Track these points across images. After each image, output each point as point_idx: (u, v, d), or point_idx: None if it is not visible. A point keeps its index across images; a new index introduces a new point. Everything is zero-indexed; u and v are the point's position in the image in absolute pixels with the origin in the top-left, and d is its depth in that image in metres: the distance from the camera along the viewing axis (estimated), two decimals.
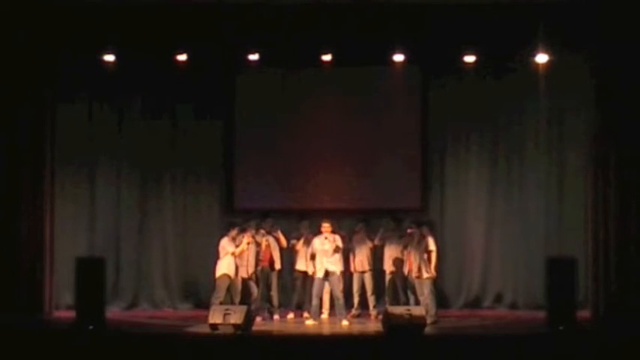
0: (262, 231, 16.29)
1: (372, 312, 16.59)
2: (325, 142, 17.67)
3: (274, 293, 16.43)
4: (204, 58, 16.63)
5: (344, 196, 17.58)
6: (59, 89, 16.77)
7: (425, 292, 15.63)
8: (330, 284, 15.88)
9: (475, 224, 17.67)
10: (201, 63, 16.71)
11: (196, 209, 17.87)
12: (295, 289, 16.76)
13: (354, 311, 16.68)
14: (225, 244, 15.80)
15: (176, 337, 14.56)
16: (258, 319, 15.80)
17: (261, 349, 13.37)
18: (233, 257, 15.75)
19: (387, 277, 16.60)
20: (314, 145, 17.69)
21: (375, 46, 16.27)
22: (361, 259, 16.61)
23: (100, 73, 16.65)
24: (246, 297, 15.93)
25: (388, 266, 16.54)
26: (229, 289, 15.76)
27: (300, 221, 16.63)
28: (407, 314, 14.65)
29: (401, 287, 16.43)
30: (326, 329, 15.76)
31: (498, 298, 17.56)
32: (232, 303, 15.60)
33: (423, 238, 15.76)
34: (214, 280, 15.86)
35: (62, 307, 16.78)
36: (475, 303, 17.55)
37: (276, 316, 16.36)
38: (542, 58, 16.23)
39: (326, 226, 15.86)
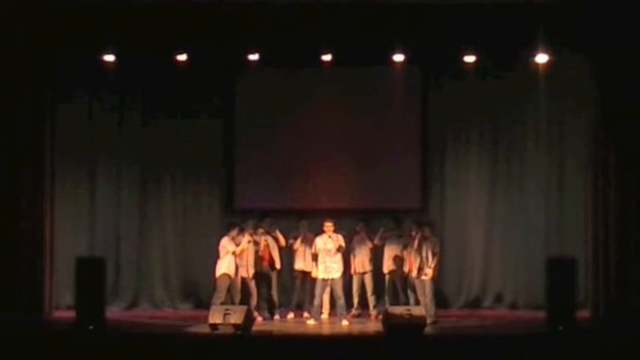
0: (261, 230, 16.29)
1: (372, 312, 16.60)
2: (325, 142, 17.67)
3: (274, 293, 16.44)
4: (204, 58, 16.62)
5: (344, 196, 17.59)
6: (59, 89, 16.77)
7: (426, 292, 15.66)
8: (332, 284, 15.89)
9: (475, 224, 17.67)
10: (201, 63, 16.71)
11: (196, 209, 17.87)
12: (295, 288, 16.76)
13: (354, 311, 16.69)
14: (226, 244, 15.80)
15: (176, 337, 14.56)
16: (258, 319, 15.82)
17: (261, 349, 13.36)
18: (233, 257, 15.76)
19: (387, 277, 16.61)
20: (314, 145, 17.70)
21: (375, 46, 16.26)
22: (362, 260, 16.61)
23: (100, 73, 16.64)
24: (246, 297, 15.94)
25: (388, 266, 16.54)
26: (229, 289, 15.77)
27: (300, 221, 16.64)
28: (407, 314, 14.67)
29: (401, 287, 16.43)
30: (326, 329, 15.77)
31: (498, 298, 17.56)
32: (232, 303, 15.60)
33: (424, 240, 15.78)
34: (214, 280, 15.87)
35: (62, 307, 16.78)
36: (475, 303, 17.56)
37: (276, 316, 16.36)
38: (542, 58, 16.22)
39: (329, 225, 15.87)
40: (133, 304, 17.56)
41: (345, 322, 15.77)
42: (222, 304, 15.34)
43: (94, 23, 15.96)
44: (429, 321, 15.18)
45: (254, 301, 16.04)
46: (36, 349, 12.92)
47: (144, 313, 17.25)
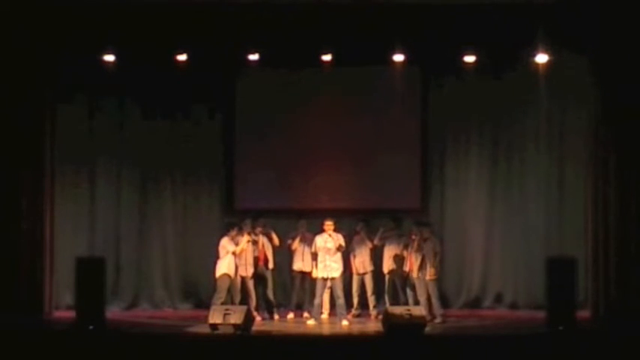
0: (258, 229, 16.30)
1: (372, 312, 16.60)
2: (325, 142, 17.67)
3: (270, 292, 16.43)
4: (204, 59, 16.62)
5: (344, 196, 17.58)
6: (59, 89, 16.77)
7: (431, 292, 15.79)
8: (332, 283, 15.88)
9: (475, 224, 17.67)
10: (201, 63, 16.70)
11: (196, 209, 17.87)
12: (294, 288, 16.76)
13: (354, 311, 16.69)
14: (226, 244, 15.81)
15: (176, 337, 14.56)
16: (258, 319, 15.82)
17: (261, 349, 13.37)
18: (233, 257, 15.76)
19: (387, 277, 16.61)
20: (314, 145, 17.69)
21: (375, 46, 16.25)
22: (362, 261, 16.62)
23: (100, 73, 16.63)
24: (245, 297, 15.94)
25: (388, 266, 16.55)
26: (229, 289, 15.77)
27: (298, 220, 16.63)
28: (407, 314, 14.68)
29: (401, 287, 16.44)
30: (326, 329, 15.77)
31: (498, 298, 17.56)
32: (232, 303, 15.61)
33: (424, 241, 15.82)
34: (214, 280, 15.87)
35: (62, 307, 16.78)
36: (475, 303, 17.55)
37: (275, 316, 16.36)
38: (542, 58, 16.22)
39: (329, 224, 15.85)
40: (133, 304, 17.56)
41: (345, 322, 15.77)
42: (222, 304, 15.34)
43: (94, 23, 15.96)
44: (437, 320, 15.52)
45: (254, 301, 16.05)
46: (36, 349, 12.93)
47: (144, 313, 17.24)
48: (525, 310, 17.08)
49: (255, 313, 15.64)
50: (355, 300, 16.76)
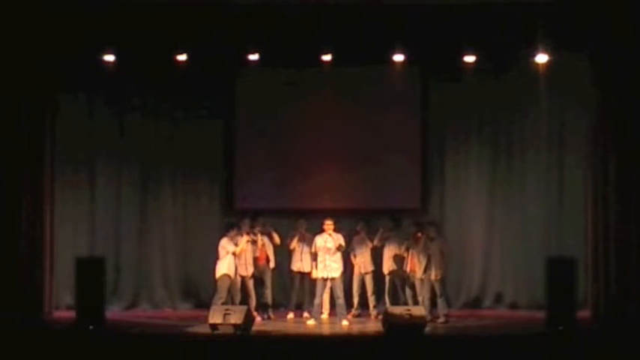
0: (257, 229, 16.29)
1: (372, 312, 16.60)
2: (325, 142, 17.67)
3: (268, 292, 16.42)
4: (204, 59, 16.62)
5: (344, 196, 17.57)
6: (59, 89, 16.77)
7: (437, 292, 15.83)
8: (332, 283, 15.88)
9: (475, 224, 17.68)
10: (201, 63, 16.70)
11: (196, 209, 17.88)
12: (294, 288, 16.76)
13: (354, 311, 16.69)
14: (225, 244, 15.81)
15: (176, 337, 14.56)
16: (258, 319, 15.82)
17: (261, 349, 13.37)
18: (233, 257, 15.77)
19: (387, 277, 16.61)
20: (314, 145, 17.69)
21: (375, 46, 16.25)
22: (363, 261, 16.62)
23: (100, 73, 16.63)
24: (245, 297, 15.94)
25: (388, 266, 16.55)
26: (229, 290, 15.77)
27: (297, 220, 16.63)
28: (407, 314, 14.69)
29: (401, 287, 16.44)
30: (326, 329, 15.77)
31: (498, 298, 17.56)
32: (232, 303, 15.61)
33: (431, 241, 15.85)
34: (214, 280, 15.87)
35: (62, 307, 16.78)
36: (475, 303, 17.56)
37: (271, 315, 16.33)
38: (542, 58, 16.22)
39: (329, 224, 15.84)
40: (133, 304, 17.56)
41: (345, 322, 15.77)
42: (222, 304, 15.34)
43: (94, 23, 15.95)
44: (441, 320, 15.58)
45: (254, 301, 16.05)
46: (36, 349, 12.93)
47: (144, 313, 17.25)
48: (525, 310, 17.08)
49: (255, 313, 15.65)
50: (355, 300, 16.77)
